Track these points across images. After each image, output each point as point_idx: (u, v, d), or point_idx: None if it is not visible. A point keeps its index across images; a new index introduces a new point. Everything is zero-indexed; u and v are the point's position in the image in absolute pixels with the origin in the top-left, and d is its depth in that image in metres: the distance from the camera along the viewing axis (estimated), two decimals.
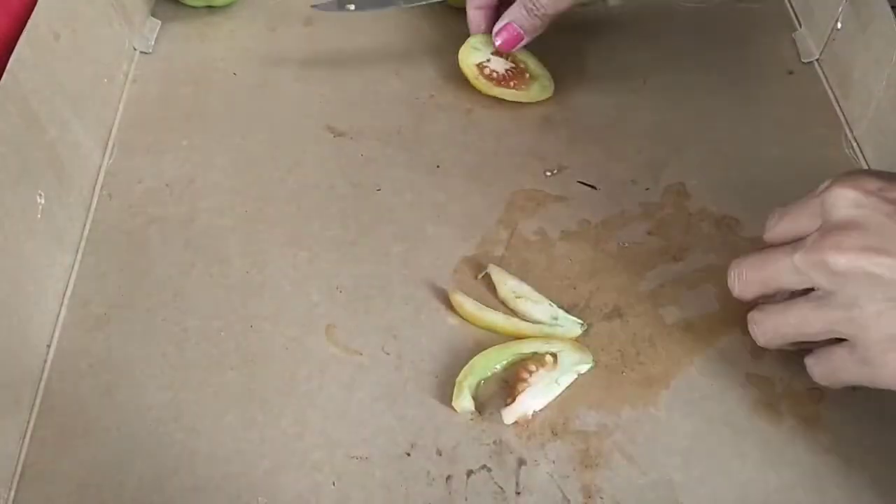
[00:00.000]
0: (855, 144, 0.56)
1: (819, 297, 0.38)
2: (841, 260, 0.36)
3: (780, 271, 0.39)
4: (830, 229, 0.37)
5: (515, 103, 0.58)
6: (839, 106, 0.58)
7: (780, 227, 0.41)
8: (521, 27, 0.55)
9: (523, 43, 0.56)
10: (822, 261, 0.37)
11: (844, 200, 0.37)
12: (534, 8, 0.54)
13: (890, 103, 0.52)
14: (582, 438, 0.42)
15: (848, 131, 0.56)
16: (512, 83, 0.57)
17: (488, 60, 0.58)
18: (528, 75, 0.58)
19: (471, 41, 0.58)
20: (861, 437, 0.42)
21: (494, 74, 0.57)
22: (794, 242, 0.39)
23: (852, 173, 0.39)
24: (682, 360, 0.45)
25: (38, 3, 0.49)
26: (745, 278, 0.42)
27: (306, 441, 0.42)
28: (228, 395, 0.44)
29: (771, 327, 0.41)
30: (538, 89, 0.58)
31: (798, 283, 0.39)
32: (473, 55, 0.58)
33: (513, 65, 0.58)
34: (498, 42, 0.56)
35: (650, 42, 0.63)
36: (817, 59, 0.60)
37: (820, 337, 0.39)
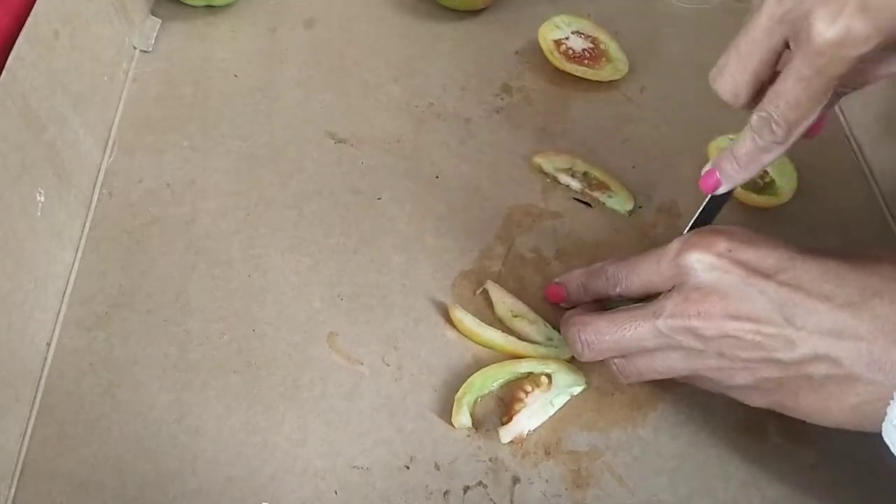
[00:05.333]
0: (856, 146, 0.57)
1: (685, 348, 0.40)
2: (707, 327, 0.38)
3: (641, 335, 0.41)
4: (690, 295, 0.39)
5: (514, 113, 0.59)
6: (840, 108, 0.59)
7: (628, 284, 0.43)
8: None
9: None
10: (689, 327, 0.39)
11: (700, 265, 0.39)
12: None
13: (892, 103, 0.53)
14: (574, 459, 0.43)
15: (848, 131, 0.58)
16: (586, 62, 0.61)
17: (567, 38, 0.62)
18: (604, 59, 0.61)
19: (555, 19, 0.62)
20: (846, 453, 0.44)
21: (570, 52, 0.61)
22: (650, 306, 0.41)
23: (700, 234, 0.41)
24: (670, 382, 0.45)
25: (37, 1, 0.48)
26: (599, 346, 0.42)
27: (309, 448, 0.43)
28: (231, 399, 0.45)
29: (635, 371, 0.42)
30: (611, 71, 0.61)
31: (659, 345, 0.41)
32: (554, 32, 0.62)
33: (592, 46, 0.62)
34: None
35: (650, 44, 0.64)
36: None
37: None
